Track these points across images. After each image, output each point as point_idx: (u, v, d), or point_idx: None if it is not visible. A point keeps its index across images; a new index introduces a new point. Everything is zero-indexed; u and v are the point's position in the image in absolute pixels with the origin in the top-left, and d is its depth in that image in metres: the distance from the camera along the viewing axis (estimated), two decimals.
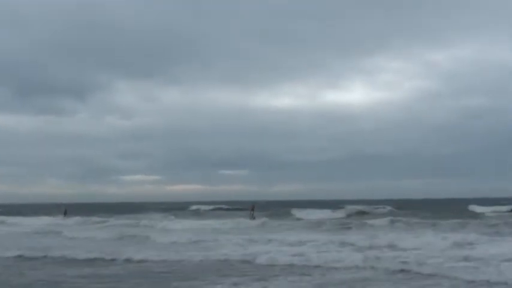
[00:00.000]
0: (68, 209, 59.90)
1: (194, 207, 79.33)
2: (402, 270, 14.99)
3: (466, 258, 16.36)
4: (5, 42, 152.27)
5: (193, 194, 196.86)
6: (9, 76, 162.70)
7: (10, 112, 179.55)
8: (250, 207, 54.10)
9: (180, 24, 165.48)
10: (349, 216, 49.17)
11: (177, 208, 74.55)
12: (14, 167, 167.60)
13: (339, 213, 51.35)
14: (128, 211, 66.98)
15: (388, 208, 61.12)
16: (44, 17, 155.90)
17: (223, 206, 79.69)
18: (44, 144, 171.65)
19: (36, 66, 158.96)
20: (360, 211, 53.32)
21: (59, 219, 51.70)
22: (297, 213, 52.42)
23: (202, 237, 26.76)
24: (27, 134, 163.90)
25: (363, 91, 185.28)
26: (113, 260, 18.96)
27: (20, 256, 20.51)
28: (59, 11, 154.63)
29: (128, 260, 18.74)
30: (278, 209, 62.45)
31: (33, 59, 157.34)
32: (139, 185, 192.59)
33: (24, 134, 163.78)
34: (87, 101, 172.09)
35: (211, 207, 77.91)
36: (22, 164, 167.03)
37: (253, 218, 48.12)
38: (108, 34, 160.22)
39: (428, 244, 20.32)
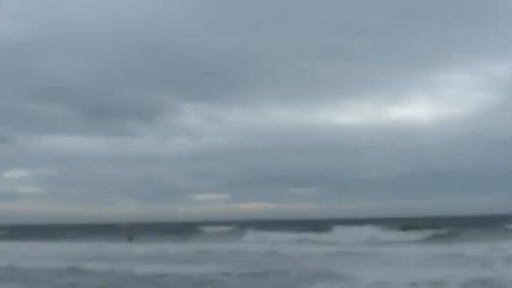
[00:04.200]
0: (135, 232, 54.15)
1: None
2: None
3: None
4: (74, 67, 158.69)
5: (263, 212, 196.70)
6: (79, 100, 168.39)
7: (80, 135, 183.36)
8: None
9: (241, 45, 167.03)
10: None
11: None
12: (86, 187, 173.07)
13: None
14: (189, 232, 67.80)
15: None
16: (111, 42, 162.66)
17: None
18: (114, 165, 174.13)
19: (105, 90, 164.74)
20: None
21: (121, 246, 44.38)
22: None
23: None
24: (97, 156, 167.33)
25: (426, 106, 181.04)
26: None
27: None
28: (125, 36, 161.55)
29: None
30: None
31: (102, 84, 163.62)
32: (209, 203, 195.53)
33: (94, 155, 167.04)
34: (155, 123, 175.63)
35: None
36: (93, 185, 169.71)
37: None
38: (173, 58, 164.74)
39: None
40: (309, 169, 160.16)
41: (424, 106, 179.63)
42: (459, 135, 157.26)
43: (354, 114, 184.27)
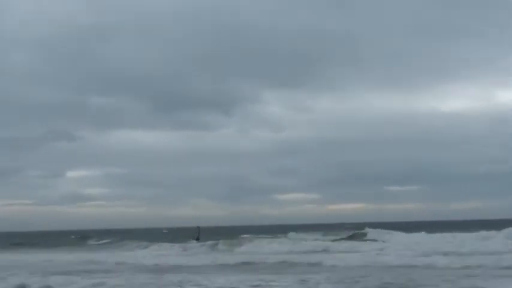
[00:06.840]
0: (201, 233, 57.58)
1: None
2: None
3: None
4: (144, 56, 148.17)
5: (357, 214, 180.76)
6: (148, 91, 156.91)
7: (150, 128, 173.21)
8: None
9: (331, 24, 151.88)
10: None
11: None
12: (155, 187, 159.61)
13: None
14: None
15: None
16: (183, 28, 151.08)
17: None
18: (187, 161, 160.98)
19: (176, 78, 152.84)
20: None
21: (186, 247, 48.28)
22: None
23: None
24: (169, 152, 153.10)
25: None
26: None
27: None
28: (198, 21, 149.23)
29: None
30: None
31: (173, 71, 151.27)
32: (295, 204, 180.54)
33: (166, 151, 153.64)
34: (233, 114, 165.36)
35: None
36: (163, 184, 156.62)
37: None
38: (251, 41, 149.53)
39: None
40: (410, 164, 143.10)
41: None
42: None
43: (459, 100, 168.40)
